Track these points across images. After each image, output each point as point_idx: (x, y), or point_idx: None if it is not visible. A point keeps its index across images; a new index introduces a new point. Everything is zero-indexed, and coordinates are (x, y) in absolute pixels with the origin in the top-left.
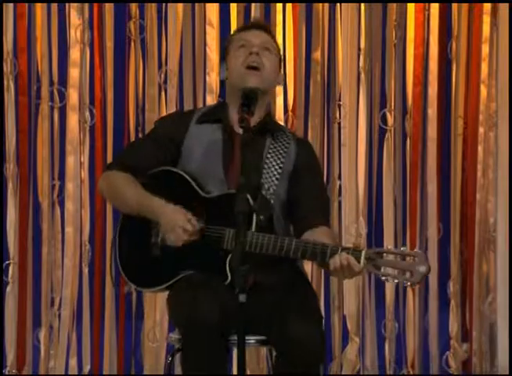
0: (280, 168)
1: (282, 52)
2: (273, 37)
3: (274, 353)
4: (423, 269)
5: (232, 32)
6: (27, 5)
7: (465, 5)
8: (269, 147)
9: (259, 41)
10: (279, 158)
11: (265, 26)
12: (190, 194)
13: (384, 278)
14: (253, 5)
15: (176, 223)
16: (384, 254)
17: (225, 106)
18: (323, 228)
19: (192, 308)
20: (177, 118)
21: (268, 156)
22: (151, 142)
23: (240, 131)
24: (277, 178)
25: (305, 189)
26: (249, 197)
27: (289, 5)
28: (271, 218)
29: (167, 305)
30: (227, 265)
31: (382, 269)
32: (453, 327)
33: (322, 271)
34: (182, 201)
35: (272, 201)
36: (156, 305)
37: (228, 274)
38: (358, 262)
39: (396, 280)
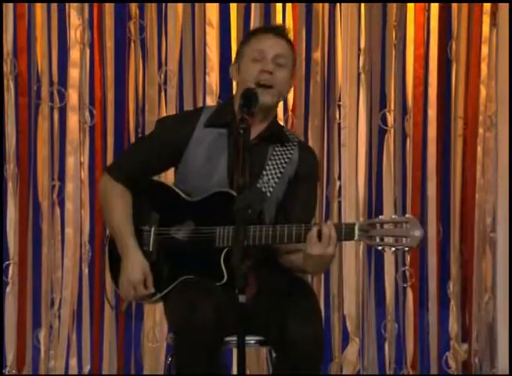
0: (281, 172)
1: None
2: (290, 41)
3: (274, 354)
4: (418, 232)
5: (248, 32)
6: (26, 5)
7: (465, 6)
8: (273, 151)
9: (274, 53)
10: (281, 162)
11: (283, 31)
12: (177, 201)
13: (380, 248)
14: (253, 5)
15: (132, 279)
16: (378, 225)
17: (232, 108)
18: None
19: (188, 312)
20: (180, 121)
21: (272, 158)
22: (151, 147)
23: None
24: (276, 181)
25: (297, 199)
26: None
27: (289, 5)
28: (260, 217)
29: (164, 309)
30: (222, 263)
31: (377, 239)
32: (453, 327)
33: None
34: (170, 209)
35: (268, 194)
36: (156, 305)
37: (224, 273)
38: (353, 235)
39: (393, 248)
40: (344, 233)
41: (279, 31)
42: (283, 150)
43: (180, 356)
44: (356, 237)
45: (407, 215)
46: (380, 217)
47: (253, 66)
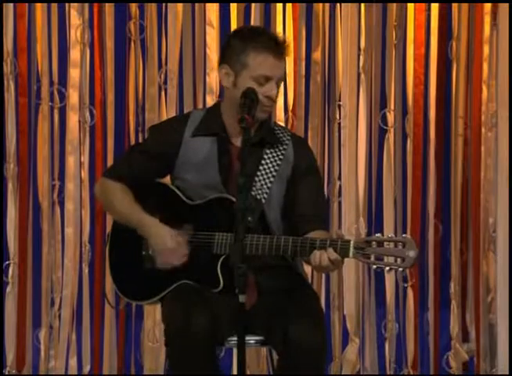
0: (276, 170)
1: None
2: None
3: (274, 354)
4: (412, 253)
5: (244, 35)
6: (27, 5)
7: (465, 6)
8: (264, 155)
9: (278, 77)
10: (275, 160)
11: (287, 49)
12: (177, 203)
13: (375, 266)
14: (253, 5)
15: (168, 247)
16: (373, 243)
17: (220, 115)
18: (320, 232)
19: (182, 320)
20: (170, 130)
21: (266, 156)
22: (145, 155)
23: (237, 142)
24: (271, 180)
25: (302, 194)
26: (234, 198)
27: (289, 5)
28: (262, 220)
29: (161, 313)
30: (218, 270)
31: (372, 258)
32: (454, 327)
33: None
34: (169, 211)
35: (263, 200)
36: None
37: (221, 280)
38: (347, 252)
39: (388, 268)
40: (340, 250)
41: (285, 50)
42: (275, 152)
43: (174, 364)
44: (351, 255)
45: (404, 235)
46: (377, 235)
47: (259, 86)
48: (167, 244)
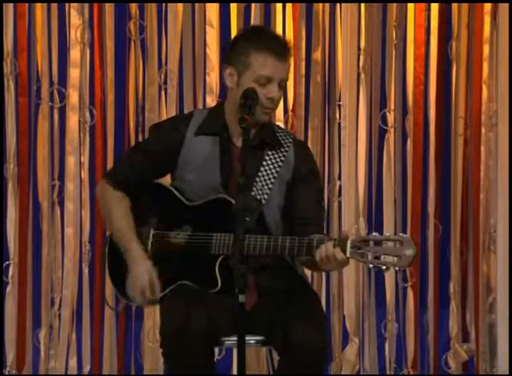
0: (277, 172)
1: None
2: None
3: (274, 354)
4: (410, 252)
5: (250, 36)
6: (27, 5)
7: (465, 6)
8: (266, 156)
9: (280, 78)
10: (277, 162)
11: (290, 51)
12: (175, 204)
13: (371, 266)
14: (253, 5)
15: (139, 285)
16: (371, 242)
17: (223, 115)
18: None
19: (180, 322)
20: (171, 129)
21: (267, 158)
22: (146, 154)
23: (239, 143)
24: (272, 182)
25: (302, 198)
26: (232, 199)
27: (289, 5)
28: (261, 221)
29: (159, 313)
30: (216, 271)
31: (369, 257)
32: (454, 327)
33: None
34: (167, 212)
35: (263, 201)
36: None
37: (219, 281)
38: (345, 251)
39: (384, 267)
40: None
41: (287, 52)
42: (276, 154)
43: (171, 364)
44: (348, 254)
45: (401, 234)
46: (374, 234)
47: (260, 88)
48: (142, 281)
